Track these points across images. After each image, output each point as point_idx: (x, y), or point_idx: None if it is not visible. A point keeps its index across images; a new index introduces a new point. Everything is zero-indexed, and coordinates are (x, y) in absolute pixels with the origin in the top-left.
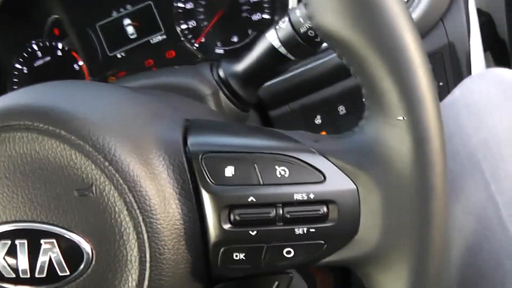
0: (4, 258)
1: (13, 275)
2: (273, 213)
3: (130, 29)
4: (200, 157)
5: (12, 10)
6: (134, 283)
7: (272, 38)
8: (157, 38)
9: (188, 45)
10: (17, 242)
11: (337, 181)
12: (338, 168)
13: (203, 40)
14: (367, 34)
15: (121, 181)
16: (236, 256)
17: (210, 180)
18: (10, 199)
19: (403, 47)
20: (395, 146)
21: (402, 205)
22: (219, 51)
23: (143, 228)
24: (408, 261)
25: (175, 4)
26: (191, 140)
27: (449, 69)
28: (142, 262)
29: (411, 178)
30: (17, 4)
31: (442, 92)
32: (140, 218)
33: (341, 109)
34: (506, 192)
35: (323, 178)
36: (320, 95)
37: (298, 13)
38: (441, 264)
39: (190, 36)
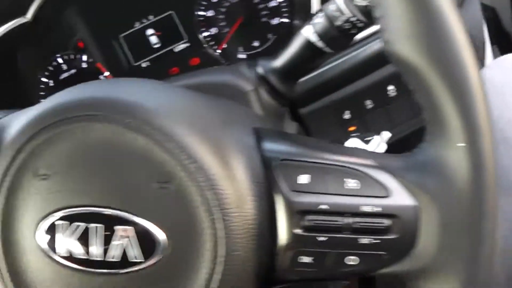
0: (77, 240)
1: (85, 257)
2: (341, 222)
3: (153, 39)
4: (276, 163)
5: (38, 26)
6: (206, 276)
7: (308, 33)
8: (180, 46)
9: (211, 52)
10: (91, 225)
11: (400, 197)
12: (401, 185)
13: (225, 46)
14: (438, 63)
15: (202, 179)
16: (302, 259)
17: (285, 185)
18: (87, 184)
19: (468, 77)
20: (455, 169)
21: (458, 224)
22: (241, 56)
23: (221, 224)
24: (459, 276)
25: (196, 13)
26: (266, 146)
27: None
28: (216, 257)
29: (469, 200)
30: (43, 21)
31: None
32: (219, 215)
33: (368, 103)
34: None
35: (388, 193)
36: (346, 91)
37: (332, 7)
38: (490, 276)
39: (212, 43)
